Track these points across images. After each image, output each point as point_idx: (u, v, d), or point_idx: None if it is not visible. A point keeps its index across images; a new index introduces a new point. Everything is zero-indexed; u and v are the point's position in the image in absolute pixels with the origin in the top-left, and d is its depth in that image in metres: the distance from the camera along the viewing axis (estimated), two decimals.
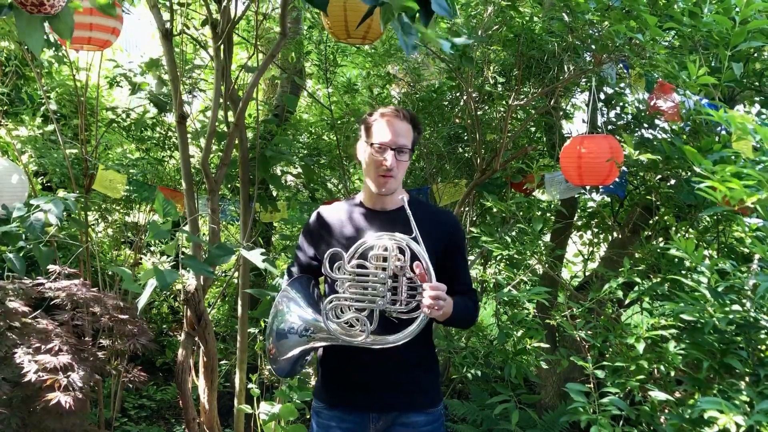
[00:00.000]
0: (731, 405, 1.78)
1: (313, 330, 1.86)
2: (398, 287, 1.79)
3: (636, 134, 3.71)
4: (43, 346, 2.53)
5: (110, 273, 4.13)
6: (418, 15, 1.61)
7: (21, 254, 2.51)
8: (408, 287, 1.79)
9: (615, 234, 4.12)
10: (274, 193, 4.51)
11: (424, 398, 1.94)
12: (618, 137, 3.06)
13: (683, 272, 2.61)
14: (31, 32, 1.54)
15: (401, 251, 1.80)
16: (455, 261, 1.94)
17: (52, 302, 2.82)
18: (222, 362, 4.37)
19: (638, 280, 2.58)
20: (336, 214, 1.99)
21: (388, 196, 1.93)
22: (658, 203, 3.46)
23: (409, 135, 1.89)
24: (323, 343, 1.89)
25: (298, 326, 1.87)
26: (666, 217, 3.49)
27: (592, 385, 2.28)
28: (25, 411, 2.48)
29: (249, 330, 3.34)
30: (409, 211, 1.80)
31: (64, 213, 2.59)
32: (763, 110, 3.41)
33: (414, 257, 1.78)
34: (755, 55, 3.39)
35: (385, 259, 1.79)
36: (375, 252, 1.81)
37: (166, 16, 2.97)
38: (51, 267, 2.85)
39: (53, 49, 4.43)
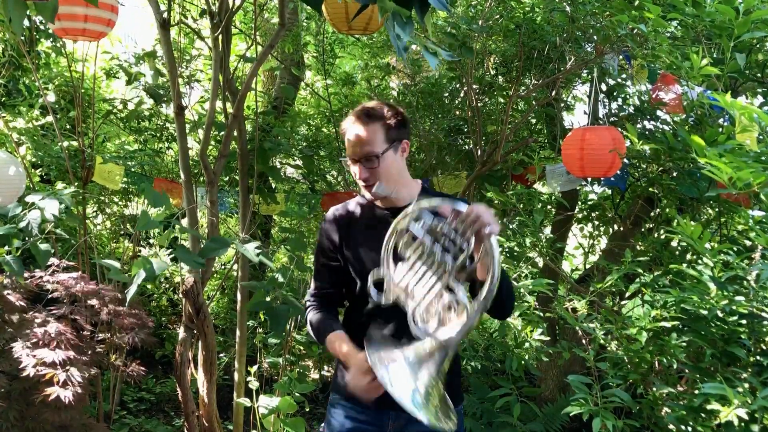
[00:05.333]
0: (735, 392, 1.78)
1: (424, 358, 1.52)
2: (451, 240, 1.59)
3: (638, 126, 3.69)
4: (41, 341, 2.52)
5: None
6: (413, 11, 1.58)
7: (18, 252, 2.50)
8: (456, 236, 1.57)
9: (616, 226, 4.10)
10: (273, 186, 4.49)
11: None
12: (620, 129, 3.04)
13: (685, 264, 2.60)
14: (13, 12, 1.50)
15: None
16: None
17: (50, 296, 2.81)
18: (221, 355, 4.36)
19: (640, 271, 2.56)
20: (349, 213, 1.91)
21: (396, 194, 1.83)
22: (660, 195, 3.45)
23: (376, 136, 1.76)
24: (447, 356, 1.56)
25: (415, 381, 1.49)
26: (668, 210, 3.47)
27: (593, 378, 2.27)
28: (23, 404, 2.47)
29: (248, 323, 3.33)
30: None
31: (62, 206, 2.58)
32: (766, 101, 3.38)
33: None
34: (758, 45, 3.36)
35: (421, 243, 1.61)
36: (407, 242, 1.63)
37: (163, 6, 2.94)
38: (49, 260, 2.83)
39: (50, 39, 4.39)
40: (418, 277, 1.59)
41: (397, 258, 1.65)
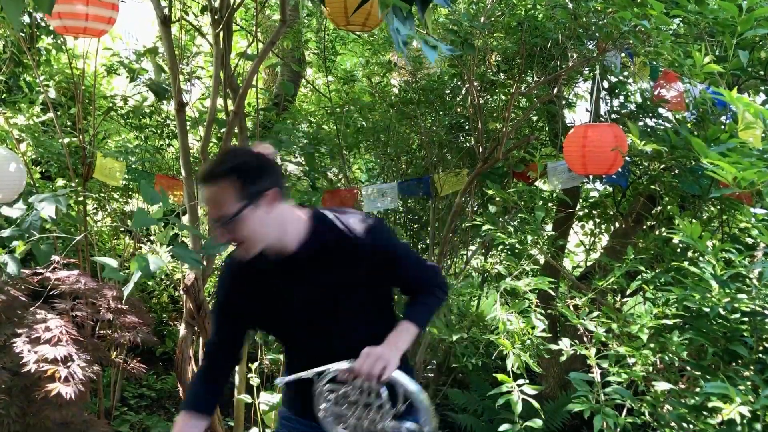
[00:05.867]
0: (737, 390, 1.77)
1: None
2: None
3: (640, 123, 3.68)
4: (42, 336, 2.52)
5: None
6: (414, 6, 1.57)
7: (21, 252, 2.50)
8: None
9: (617, 224, 4.10)
10: None
11: None
12: (622, 126, 3.03)
13: (687, 262, 2.59)
14: (8, 5, 1.46)
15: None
16: (399, 268, 1.76)
17: (51, 292, 2.81)
18: None
19: (642, 268, 2.56)
20: (242, 265, 1.73)
21: (281, 243, 1.68)
22: (662, 193, 3.44)
23: (225, 196, 1.55)
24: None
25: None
26: (669, 207, 3.46)
27: (595, 375, 2.27)
28: (25, 400, 2.47)
29: None
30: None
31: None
32: None
33: None
34: (760, 43, 3.35)
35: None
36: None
37: (164, 2, 2.94)
38: None
39: (51, 36, 4.38)
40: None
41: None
